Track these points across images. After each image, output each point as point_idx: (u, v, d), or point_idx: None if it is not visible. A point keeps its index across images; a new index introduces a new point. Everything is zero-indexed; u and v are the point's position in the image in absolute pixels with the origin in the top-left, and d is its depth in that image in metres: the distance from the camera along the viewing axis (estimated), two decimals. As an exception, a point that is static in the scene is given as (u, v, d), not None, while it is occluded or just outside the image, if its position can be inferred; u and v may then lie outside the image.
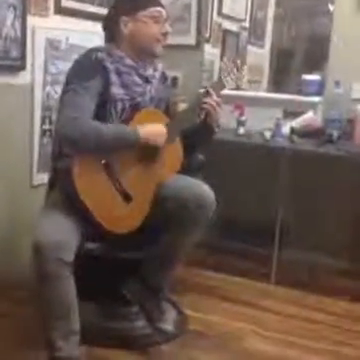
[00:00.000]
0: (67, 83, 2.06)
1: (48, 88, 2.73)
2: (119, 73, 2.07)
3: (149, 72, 2.17)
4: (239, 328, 2.49)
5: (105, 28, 2.18)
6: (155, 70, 2.21)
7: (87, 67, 2.04)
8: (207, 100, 2.10)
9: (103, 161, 1.99)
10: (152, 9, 2.09)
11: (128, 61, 2.09)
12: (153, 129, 2.04)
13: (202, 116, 2.18)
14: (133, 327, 2.24)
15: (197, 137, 2.22)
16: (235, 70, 2.16)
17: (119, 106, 2.07)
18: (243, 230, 3.27)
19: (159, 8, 2.12)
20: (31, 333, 2.17)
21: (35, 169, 2.74)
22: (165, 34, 2.13)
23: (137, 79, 2.12)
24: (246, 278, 2.98)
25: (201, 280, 2.94)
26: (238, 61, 2.17)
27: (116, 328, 2.24)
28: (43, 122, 2.74)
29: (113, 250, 2.16)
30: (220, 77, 2.15)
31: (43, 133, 2.76)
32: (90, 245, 2.12)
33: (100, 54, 2.06)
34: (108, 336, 2.21)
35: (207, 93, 2.11)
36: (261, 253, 3.15)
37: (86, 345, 2.04)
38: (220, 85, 2.15)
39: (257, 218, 3.25)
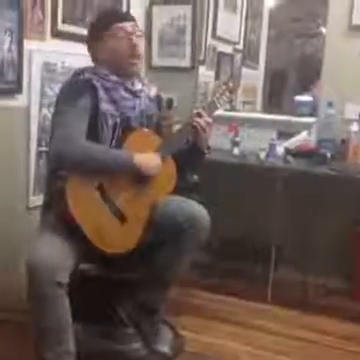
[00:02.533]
0: (57, 105, 2.11)
1: (44, 111, 2.75)
2: (106, 89, 2.11)
3: (137, 87, 2.20)
4: (236, 349, 2.48)
5: (88, 50, 2.24)
6: (144, 85, 2.25)
7: (75, 87, 2.09)
8: (198, 120, 2.12)
9: (96, 183, 2.01)
10: (114, 26, 2.14)
11: (113, 77, 2.13)
12: (148, 160, 2.07)
13: (192, 138, 2.19)
14: (129, 349, 2.23)
15: (187, 158, 2.23)
16: (227, 92, 2.18)
17: (110, 121, 2.10)
18: (238, 250, 3.27)
19: (122, 23, 2.15)
20: (25, 355, 2.15)
21: (31, 191, 2.75)
22: (134, 47, 2.14)
23: (125, 94, 2.15)
24: (242, 298, 2.97)
25: (197, 301, 2.94)
26: (230, 83, 2.20)
27: (111, 350, 2.22)
28: (39, 144, 2.76)
29: (108, 271, 2.17)
30: (212, 99, 2.17)
31: (39, 155, 2.77)
32: (85, 266, 2.12)
33: (87, 74, 2.11)
34: (103, 358, 2.20)
35: (198, 114, 2.13)
36: (257, 273, 3.16)
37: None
38: (213, 106, 2.17)
39: (252, 238, 3.25)
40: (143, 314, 2.20)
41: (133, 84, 2.19)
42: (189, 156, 2.22)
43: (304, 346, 2.55)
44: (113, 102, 2.11)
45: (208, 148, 2.25)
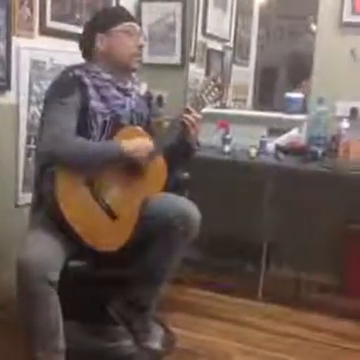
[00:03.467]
0: (46, 102, 2.09)
1: (33, 108, 2.73)
2: (97, 87, 2.10)
3: (128, 85, 2.19)
4: (227, 346, 2.48)
5: (81, 45, 2.22)
6: (134, 83, 2.24)
7: (65, 84, 2.07)
8: (187, 116, 2.12)
9: (86, 180, 1.99)
10: (125, 24, 2.14)
11: (105, 75, 2.12)
12: (137, 141, 2.05)
13: (182, 134, 2.17)
14: (119, 346, 2.22)
15: (176, 155, 2.21)
16: (216, 89, 2.17)
17: (100, 119, 2.09)
18: (229, 247, 3.27)
19: (132, 23, 2.16)
20: (14, 352, 2.14)
21: (20, 189, 2.73)
22: (140, 47, 2.17)
23: (116, 92, 2.14)
24: (233, 295, 2.97)
25: (188, 298, 2.94)
26: (219, 79, 2.19)
27: (102, 347, 2.21)
28: (28, 142, 2.74)
29: (98, 268, 2.14)
30: (200, 96, 2.16)
31: (28, 153, 2.75)
32: (75, 263, 2.10)
33: (77, 71, 2.10)
34: (94, 355, 2.19)
35: (187, 110, 2.13)
36: (248, 270, 3.16)
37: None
38: (201, 103, 2.16)
39: (243, 235, 3.24)
40: (134, 311, 2.17)
41: (124, 82, 2.18)
42: (179, 152, 2.21)
43: (296, 343, 2.55)
44: (103, 100, 2.10)
45: (198, 144, 2.24)
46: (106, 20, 2.16)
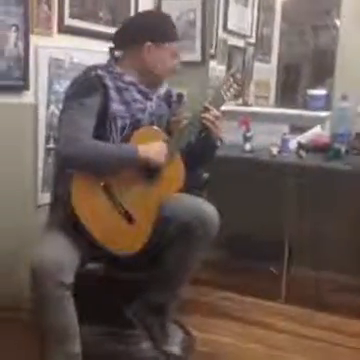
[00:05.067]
0: (65, 101, 2.04)
1: (52, 107, 2.72)
2: (119, 90, 2.05)
3: (149, 88, 2.14)
4: (249, 349, 2.44)
5: (117, 45, 2.15)
6: (157, 88, 2.20)
7: (86, 85, 2.02)
8: (205, 115, 2.08)
9: (103, 183, 1.96)
10: (175, 44, 2.12)
11: (127, 78, 2.07)
12: (153, 146, 2.01)
13: (203, 132, 2.14)
14: (137, 350, 2.18)
15: (199, 153, 2.18)
16: (235, 85, 2.12)
17: (119, 123, 2.05)
18: (251, 248, 3.22)
19: (177, 44, 2.14)
20: (30, 354, 2.12)
21: (40, 189, 2.71)
22: (175, 67, 2.16)
23: (137, 95, 2.09)
24: (255, 297, 2.92)
25: (209, 300, 2.90)
26: (238, 75, 2.15)
27: (120, 351, 2.18)
28: (47, 141, 2.73)
29: (116, 271, 2.14)
30: (219, 92, 2.11)
31: (48, 152, 2.74)
32: (93, 265, 2.09)
33: (100, 71, 2.04)
34: (111, 359, 2.17)
35: (205, 109, 2.08)
36: (269, 271, 3.10)
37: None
38: (220, 99, 2.12)
39: (265, 235, 3.18)
40: (152, 315, 2.15)
41: (146, 86, 2.13)
42: (200, 150, 2.18)
43: (320, 346, 2.49)
44: (124, 103, 2.05)
45: (221, 141, 2.19)
46: (164, 33, 2.10)
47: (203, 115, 2.08)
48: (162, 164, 2.02)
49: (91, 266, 2.08)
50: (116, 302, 2.17)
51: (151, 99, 2.14)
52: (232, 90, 2.14)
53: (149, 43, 2.06)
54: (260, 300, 2.90)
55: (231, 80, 2.14)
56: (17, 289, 2.43)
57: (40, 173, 2.72)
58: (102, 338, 2.21)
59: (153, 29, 2.09)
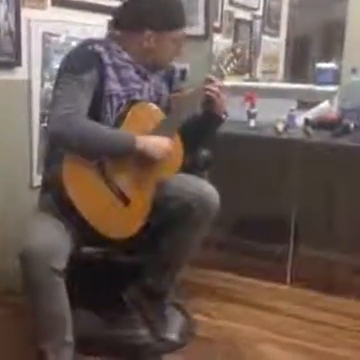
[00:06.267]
0: (60, 75, 1.92)
1: (47, 84, 2.62)
2: (116, 67, 1.93)
3: (148, 69, 2.03)
4: (252, 333, 2.35)
5: (116, 24, 2.01)
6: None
7: (82, 59, 1.90)
8: (209, 87, 1.98)
9: (96, 162, 1.85)
10: (179, 32, 1.98)
11: (126, 55, 1.96)
12: (152, 139, 1.91)
13: (206, 105, 2.05)
14: (135, 335, 2.12)
15: (202, 128, 2.09)
16: (235, 59, 2.03)
17: (115, 102, 1.93)
18: (255, 227, 3.12)
19: (183, 29, 2.00)
20: (23, 344, 2.07)
21: (35, 169, 2.63)
22: (178, 53, 2.05)
23: (135, 75, 1.98)
24: (259, 279, 2.83)
25: (210, 281, 2.80)
26: (238, 49, 2.05)
27: (116, 336, 2.12)
28: (42, 120, 2.63)
29: (112, 254, 2.06)
30: (219, 67, 2.02)
31: (43, 131, 2.64)
32: (88, 249, 2.01)
33: (97, 46, 1.92)
34: (108, 345, 2.09)
35: (209, 80, 1.99)
36: (275, 251, 3.00)
37: (83, 355, 1.93)
38: (219, 75, 2.02)
39: (270, 214, 3.10)
40: (150, 299, 2.09)
41: (145, 66, 2.01)
42: (205, 125, 2.09)
43: (328, 331, 2.39)
44: (121, 82, 1.94)
45: (225, 114, 2.10)
46: (164, 21, 1.95)
47: (207, 87, 1.98)
48: (158, 158, 1.92)
49: (87, 250, 2.00)
50: (113, 286, 2.10)
51: (149, 80, 2.04)
52: (232, 65, 2.05)
53: (149, 32, 1.94)
54: (264, 282, 2.81)
55: (231, 55, 2.05)
56: (11, 273, 2.37)
57: (35, 153, 2.63)
58: (99, 324, 2.15)
59: (154, 15, 1.95)
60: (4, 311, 2.32)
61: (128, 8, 2.00)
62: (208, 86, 1.99)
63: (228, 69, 2.03)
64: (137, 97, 1.99)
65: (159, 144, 1.91)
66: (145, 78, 2.02)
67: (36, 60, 2.54)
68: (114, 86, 1.92)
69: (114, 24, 2.03)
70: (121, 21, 2.00)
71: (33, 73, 2.54)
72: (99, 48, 1.92)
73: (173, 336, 2.13)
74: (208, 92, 1.99)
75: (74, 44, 2.60)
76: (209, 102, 2.02)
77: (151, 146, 1.89)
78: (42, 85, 2.59)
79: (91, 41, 1.96)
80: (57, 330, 1.79)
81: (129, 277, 2.10)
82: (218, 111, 2.05)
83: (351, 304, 2.63)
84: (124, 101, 1.95)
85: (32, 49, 2.51)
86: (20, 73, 2.48)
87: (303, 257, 2.95)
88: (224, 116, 2.09)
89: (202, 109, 2.07)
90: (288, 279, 2.83)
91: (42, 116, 2.62)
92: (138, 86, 1.99)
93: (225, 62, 2.02)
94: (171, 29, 1.96)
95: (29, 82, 2.54)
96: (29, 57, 2.51)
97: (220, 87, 2.00)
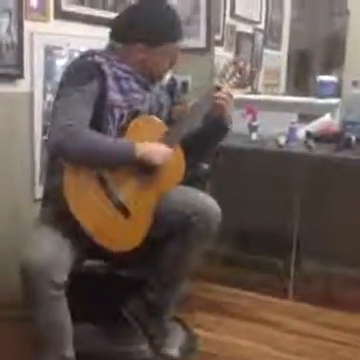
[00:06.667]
0: (61, 87, 1.93)
1: (49, 96, 2.61)
2: (117, 78, 1.93)
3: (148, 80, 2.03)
4: (254, 349, 2.33)
5: (112, 36, 2.02)
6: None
7: (83, 70, 1.90)
8: (219, 94, 1.97)
9: (97, 175, 1.84)
10: (171, 45, 1.97)
11: (126, 67, 1.96)
12: (151, 146, 1.90)
13: (213, 114, 2.02)
14: (135, 351, 2.09)
15: (207, 139, 2.08)
16: (237, 73, 2.01)
17: (117, 113, 1.93)
18: (257, 241, 3.11)
19: (178, 43, 1.99)
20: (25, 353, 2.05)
21: (37, 182, 2.62)
22: (173, 65, 2.03)
23: (135, 86, 1.98)
24: (261, 293, 2.81)
25: (212, 296, 2.79)
26: (240, 63, 2.04)
27: (116, 352, 2.09)
28: (44, 132, 2.62)
29: (113, 268, 2.06)
30: (221, 81, 2.01)
31: (45, 143, 2.63)
32: (89, 262, 1.99)
33: (97, 57, 1.93)
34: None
35: (217, 88, 1.98)
36: (277, 266, 2.99)
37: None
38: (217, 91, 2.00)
39: (272, 228, 3.07)
40: (151, 314, 2.06)
41: (145, 76, 2.01)
42: (210, 135, 2.07)
43: (331, 347, 2.37)
44: (122, 93, 1.94)
45: (230, 122, 2.08)
46: (158, 35, 1.95)
47: (216, 94, 1.97)
48: (159, 164, 1.90)
49: (88, 263, 1.98)
50: (113, 300, 2.08)
51: (150, 90, 2.03)
52: (234, 79, 2.04)
53: (140, 45, 1.94)
54: (266, 297, 2.79)
55: (233, 68, 2.04)
56: (15, 286, 2.35)
57: (37, 165, 2.62)
58: (99, 338, 2.12)
59: (145, 30, 1.95)
60: (7, 325, 2.29)
61: (121, 21, 2.02)
62: (218, 94, 1.97)
63: (230, 83, 2.01)
64: (138, 107, 1.98)
65: (159, 150, 1.90)
66: (146, 88, 2.01)
67: (38, 72, 2.54)
68: (115, 96, 1.92)
69: (111, 36, 2.03)
70: (115, 33, 2.01)
71: (35, 85, 2.53)
72: (99, 59, 1.92)
73: (174, 351, 2.10)
74: (218, 100, 1.97)
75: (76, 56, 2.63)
76: (217, 110, 2.00)
77: (151, 152, 1.87)
78: (44, 97, 2.59)
79: (91, 52, 1.97)
80: (57, 345, 1.77)
81: (130, 291, 2.07)
82: (225, 119, 2.03)
83: (353, 319, 2.60)
84: (125, 111, 1.95)
85: (34, 62, 2.51)
86: (22, 85, 2.48)
87: (305, 271, 2.94)
88: (230, 125, 2.08)
89: (207, 119, 2.04)
90: (290, 294, 2.81)
91: (44, 128, 2.60)
92: (139, 96, 1.99)
93: (227, 76, 2.01)
94: (161, 44, 1.95)
95: (31, 94, 2.53)
96: (31, 69, 2.51)
97: (229, 94, 1.99)
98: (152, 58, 1.96)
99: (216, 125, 2.05)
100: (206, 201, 1.95)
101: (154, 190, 1.95)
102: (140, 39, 1.94)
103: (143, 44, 1.94)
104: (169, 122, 2.06)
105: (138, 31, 1.94)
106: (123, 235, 1.90)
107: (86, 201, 1.83)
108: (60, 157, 1.84)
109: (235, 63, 2.03)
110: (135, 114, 1.97)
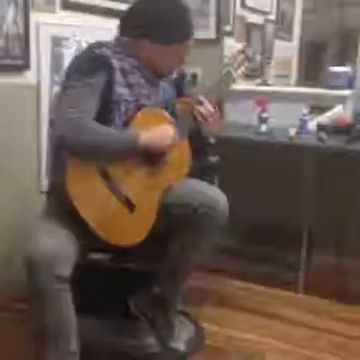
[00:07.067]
0: (67, 78, 1.89)
1: (56, 88, 2.59)
2: (124, 72, 1.89)
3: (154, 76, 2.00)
4: (263, 343, 2.30)
5: (122, 31, 1.98)
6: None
7: (90, 62, 1.85)
8: (197, 108, 1.92)
9: (101, 168, 1.82)
10: (180, 45, 1.93)
11: (134, 61, 1.92)
12: (157, 131, 1.87)
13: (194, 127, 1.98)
14: (141, 345, 2.07)
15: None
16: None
17: (123, 107, 1.89)
18: (267, 234, 3.08)
19: (188, 42, 1.95)
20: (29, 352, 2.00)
21: (43, 174, 2.60)
22: (182, 62, 2.00)
23: (142, 80, 1.94)
24: (271, 286, 2.77)
25: (220, 289, 2.75)
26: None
27: (123, 345, 2.07)
28: (52, 124, 2.60)
29: (119, 261, 2.01)
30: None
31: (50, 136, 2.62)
32: (94, 256, 1.97)
33: (105, 50, 1.88)
34: (114, 354, 2.05)
35: (198, 102, 1.92)
36: (287, 259, 2.95)
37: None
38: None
39: (282, 221, 3.04)
40: (157, 308, 2.04)
41: (152, 71, 1.98)
42: (194, 143, 2.02)
43: (343, 342, 2.33)
44: (129, 87, 1.90)
45: (214, 137, 2.06)
46: (165, 34, 1.91)
47: (195, 108, 1.92)
48: (166, 149, 1.87)
49: (93, 256, 1.97)
50: (119, 294, 2.06)
51: (157, 85, 2.01)
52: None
53: (150, 42, 1.91)
54: (276, 290, 2.75)
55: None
56: (21, 279, 2.34)
57: (44, 157, 2.60)
58: (104, 332, 2.11)
59: (157, 28, 1.91)
60: (13, 318, 2.29)
61: (132, 14, 1.98)
62: (196, 106, 1.93)
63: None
64: (145, 102, 1.95)
65: (163, 132, 1.87)
66: (153, 83, 1.98)
67: (45, 64, 2.52)
68: (122, 91, 1.88)
69: (120, 29, 2.00)
70: (125, 27, 1.97)
71: (42, 77, 2.52)
72: (107, 52, 1.88)
73: (180, 345, 2.08)
74: (195, 112, 1.93)
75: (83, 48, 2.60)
76: (197, 124, 1.96)
77: (155, 136, 1.85)
78: (51, 89, 2.57)
79: (99, 44, 1.92)
80: (61, 338, 1.74)
81: (136, 284, 2.06)
82: (205, 133, 2.00)
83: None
84: (132, 106, 1.91)
85: (41, 53, 2.49)
86: (29, 77, 2.46)
87: (316, 264, 2.90)
88: (212, 140, 2.04)
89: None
90: (301, 287, 2.77)
91: (51, 120, 2.60)
92: (146, 91, 1.96)
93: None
94: (172, 44, 1.92)
95: (38, 86, 2.52)
96: (38, 60, 2.49)
97: (209, 112, 1.93)
98: (161, 56, 1.93)
99: (196, 138, 2.00)
100: (213, 194, 1.92)
101: (159, 184, 1.92)
102: (151, 36, 1.90)
103: (153, 41, 1.91)
104: (175, 116, 2.01)
105: (149, 28, 1.91)
106: (128, 229, 1.87)
107: (89, 195, 1.81)
108: (65, 150, 1.81)
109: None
110: (141, 108, 1.94)
